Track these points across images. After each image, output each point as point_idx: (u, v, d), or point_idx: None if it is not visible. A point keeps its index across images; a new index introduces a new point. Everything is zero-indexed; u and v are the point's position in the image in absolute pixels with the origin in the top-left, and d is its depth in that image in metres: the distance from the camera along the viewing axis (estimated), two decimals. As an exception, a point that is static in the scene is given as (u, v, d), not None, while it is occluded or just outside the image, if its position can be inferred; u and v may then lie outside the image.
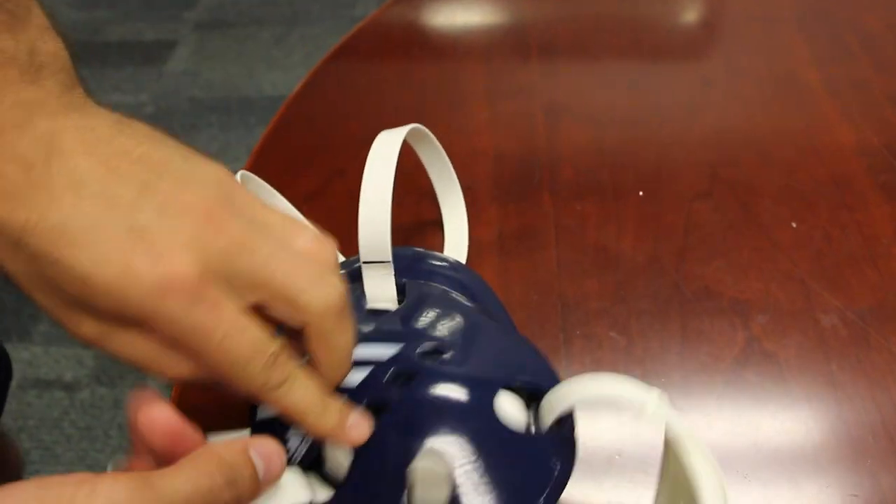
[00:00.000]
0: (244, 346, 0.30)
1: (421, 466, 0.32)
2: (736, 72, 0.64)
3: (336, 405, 0.32)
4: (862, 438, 0.42)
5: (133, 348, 0.30)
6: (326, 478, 0.34)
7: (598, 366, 0.45)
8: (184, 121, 1.76)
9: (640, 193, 0.55)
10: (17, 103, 0.29)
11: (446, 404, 0.34)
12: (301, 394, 0.31)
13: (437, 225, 0.52)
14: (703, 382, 0.45)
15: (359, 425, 0.33)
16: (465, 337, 0.38)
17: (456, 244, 0.51)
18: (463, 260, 0.50)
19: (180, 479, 0.27)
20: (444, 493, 0.32)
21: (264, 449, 0.30)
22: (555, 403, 0.35)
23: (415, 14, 0.72)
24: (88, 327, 0.30)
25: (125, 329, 0.29)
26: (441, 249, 0.51)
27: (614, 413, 0.43)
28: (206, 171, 0.31)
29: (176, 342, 0.29)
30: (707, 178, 0.56)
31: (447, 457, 0.32)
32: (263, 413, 0.36)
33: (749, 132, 0.59)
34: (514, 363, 0.37)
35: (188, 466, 0.28)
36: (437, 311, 0.39)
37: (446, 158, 0.49)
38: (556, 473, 0.34)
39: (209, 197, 0.30)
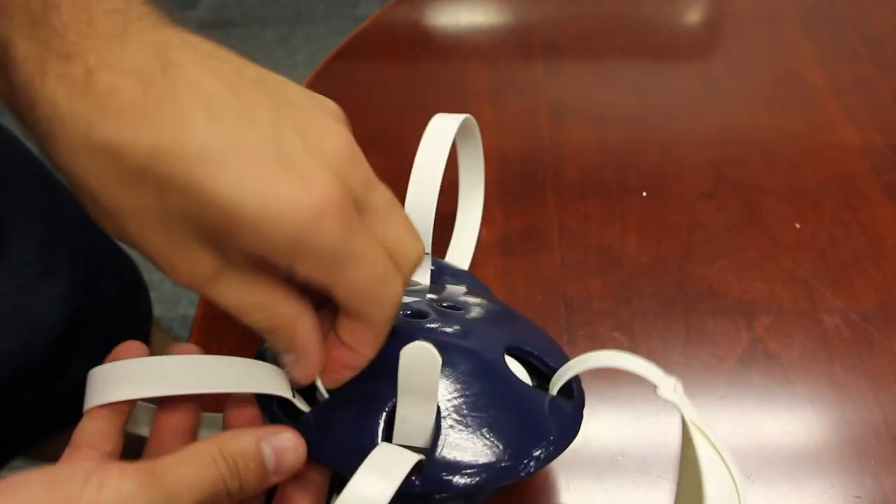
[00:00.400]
0: (386, 272, 0.29)
1: (410, 347, 0.29)
2: (739, 72, 0.64)
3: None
4: (865, 439, 0.42)
5: (241, 293, 0.28)
6: (312, 402, 0.34)
7: (601, 366, 0.45)
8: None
9: (644, 193, 0.55)
10: (108, 10, 0.26)
11: (450, 342, 0.34)
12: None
13: (449, 220, 0.52)
14: (707, 383, 0.45)
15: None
16: (479, 304, 0.39)
17: (463, 243, 0.51)
18: (468, 260, 0.50)
19: (185, 469, 0.27)
20: (432, 380, 0.30)
21: (279, 443, 0.30)
22: (570, 369, 0.35)
23: (418, 14, 0.72)
24: (205, 266, 0.27)
25: (242, 268, 0.27)
26: (446, 246, 0.51)
27: (617, 411, 0.43)
28: (325, 99, 0.30)
29: (315, 278, 0.27)
30: (711, 178, 0.56)
31: (437, 349, 0.30)
32: None
33: (753, 132, 0.59)
34: (523, 334, 0.38)
35: (194, 456, 0.28)
36: (464, 293, 0.40)
37: (482, 156, 0.49)
38: (553, 434, 0.34)
39: (342, 125, 0.28)
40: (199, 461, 0.27)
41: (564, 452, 0.38)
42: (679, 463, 0.38)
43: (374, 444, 0.31)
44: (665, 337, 0.47)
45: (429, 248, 0.50)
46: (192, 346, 0.32)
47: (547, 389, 0.36)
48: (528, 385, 0.35)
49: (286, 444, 0.30)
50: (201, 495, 0.27)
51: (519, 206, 0.54)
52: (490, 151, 0.58)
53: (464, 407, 0.32)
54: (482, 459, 0.31)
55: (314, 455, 0.31)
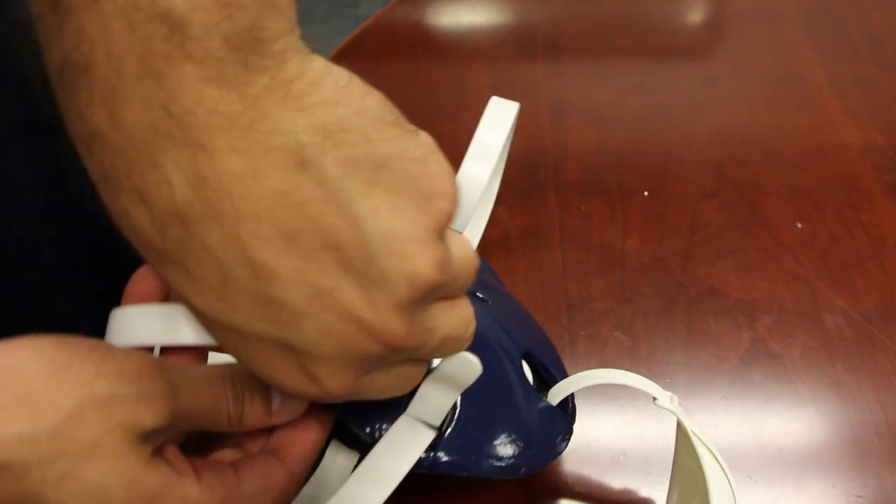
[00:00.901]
0: (397, 390, 0.28)
1: (460, 355, 0.30)
2: (741, 71, 0.64)
3: None
4: (867, 439, 0.42)
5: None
6: None
7: (602, 366, 0.45)
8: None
9: (646, 193, 0.55)
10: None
11: (481, 335, 0.34)
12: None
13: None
14: (708, 383, 0.45)
15: None
16: (502, 299, 0.40)
17: (470, 232, 0.51)
18: (475, 245, 0.51)
19: (192, 374, 0.28)
20: (449, 401, 0.32)
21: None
22: (568, 385, 0.37)
23: (419, 13, 0.72)
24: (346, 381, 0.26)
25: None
26: None
27: (618, 412, 0.43)
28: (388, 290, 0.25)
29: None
30: (712, 177, 0.56)
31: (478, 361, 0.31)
32: None
33: (754, 132, 0.59)
34: (536, 339, 0.40)
35: (205, 369, 0.29)
36: (481, 281, 0.41)
37: (507, 150, 0.48)
38: (549, 443, 0.36)
39: (386, 313, 0.24)
40: (210, 375, 0.29)
41: (566, 452, 0.39)
42: (672, 471, 0.38)
43: (398, 413, 0.32)
44: (667, 337, 0.47)
45: (479, 235, 0.50)
46: None
47: (544, 394, 0.38)
48: (538, 395, 0.37)
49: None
50: (200, 405, 0.28)
51: (520, 205, 0.54)
52: (491, 151, 0.58)
53: (480, 401, 0.34)
54: (483, 455, 0.33)
55: (342, 410, 0.32)
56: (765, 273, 0.50)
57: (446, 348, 0.27)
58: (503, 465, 0.34)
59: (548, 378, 0.39)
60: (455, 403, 0.33)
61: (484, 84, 0.64)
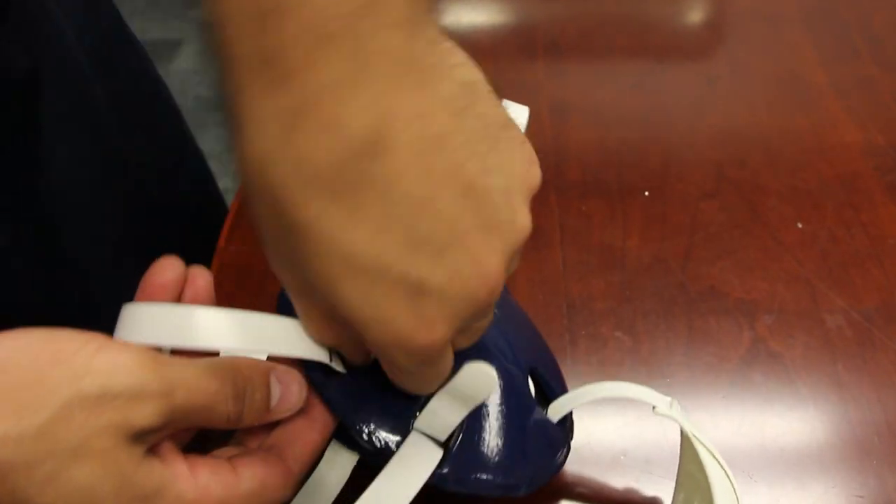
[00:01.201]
0: (432, 382, 0.30)
1: (472, 364, 0.31)
2: (742, 72, 0.64)
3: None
4: (867, 439, 0.42)
5: (308, 316, 0.29)
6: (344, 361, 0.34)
7: (603, 366, 0.45)
8: (190, 119, 1.76)
9: (646, 193, 0.55)
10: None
11: (488, 351, 0.35)
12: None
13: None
14: (709, 383, 0.45)
15: None
16: (506, 311, 0.40)
17: None
18: None
19: (190, 370, 0.27)
20: (478, 400, 0.32)
21: (286, 378, 0.30)
22: (569, 401, 0.38)
23: (420, 13, 0.72)
24: (292, 283, 0.28)
25: (317, 306, 0.28)
26: None
27: (621, 413, 0.43)
28: (514, 215, 0.28)
29: (383, 363, 0.29)
30: (713, 177, 0.56)
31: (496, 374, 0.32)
32: None
33: (755, 132, 0.59)
34: (539, 354, 0.40)
35: (204, 364, 0.28)
36: None
37: None
38: (550, 463, 0.36)
39: (499, 266, 0.27)
40: (208, 371, 0.28)
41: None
42: (678, 477, 0.38)
43: (408, 429, 0.32)
44: (667, 337, 0.47)
45: None
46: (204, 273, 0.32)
47: (545, 409, 0.38)
48: (541, 412, 0.37)
49: (292, 380, 0.31)
50: (198, 402, 0.27)
51: (521, 205, 0.54)
52: (492, 151, 0.58)
53: (485, 419, 0.34)
54: (485, 474, 0.33)
55: (348, 417, 0.32)
56: (765, 273, 0.50)
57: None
58: (504, 483, 0.34)
59: (549, 393, 0.39)
60: (462, 420, 0.33)
61: (484, 84, 0.64)
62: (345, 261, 0.24)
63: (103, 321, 0.29)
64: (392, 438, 0.32)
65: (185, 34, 2.00)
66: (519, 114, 0.40)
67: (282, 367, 0.31)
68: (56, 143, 0.49)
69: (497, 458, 0.34)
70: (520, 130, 0.29)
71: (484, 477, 0.33)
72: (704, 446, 0.35)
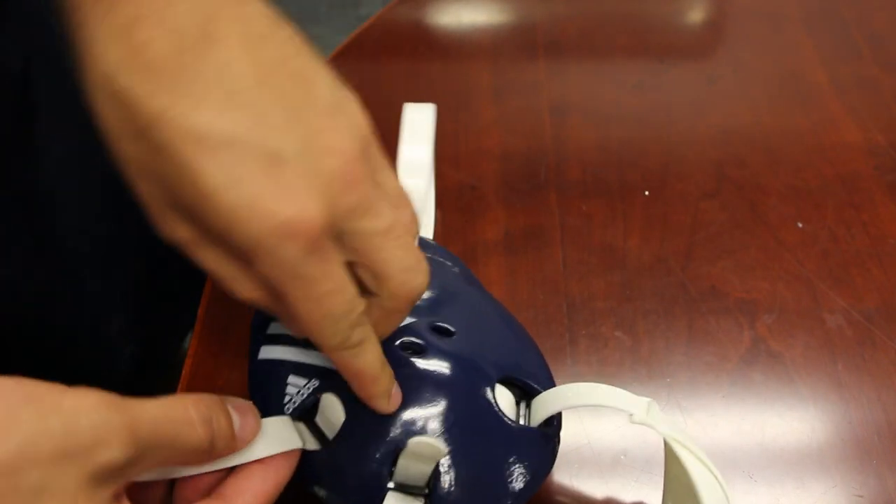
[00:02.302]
0: (340, 304, 0.28)
1: (417, 440, 0.33)
2: (742, 71, 0.64)
3: (389, 373, 0.32)
4: (868, 438, 0.42)
5: (217, 264, 0.29)
6: (316, 431, 0.35)
7: (603, 366, 0.45)
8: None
9: (647, 193, 0.55)
10: None
11: (448, 382, 0.35)
12: (369, 358, 0.31)
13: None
14: (709, 382, 0.45)
15: (397, 395, 0.33)
16: (471, 319, 0.39)
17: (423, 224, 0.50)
18: (430, 234, 0.50)
19: (153, 403, 0.27)
20: (428, 469, 0.33)
21: (240, 405, 0.30)
22: (547, 405, 0.36)
23: (420, 13, 0.72)
24: (183, 232, 0.28)
25: (217, 245, 0.28)
26: None
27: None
28: (353, 111, 0.29)
29: (269, 281, 0.28)
30: (713, 177, 0.56)
31: (441, 444, 0.33)
32: (266, 354, 0.38)
33: (756, 131, 0.59)
34: (513, 356, 0.39)
35: (165, 397, 0.28)
36: (445, 288, 0.40)
37: (433, 150, 0.48)
38: (535, 469, 0.36)
39: (352, 145, 0.28)
40: (170, 401, 0.27)
41: (567, 452, 0.40)
42: (665, 483, 0.38)
43: (383, 489, 0.33)
44: (668, 336, 0.47)
45: (430, 233, 0.49)
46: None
47: (529, 406, 0.38)
48: (513, 424, 0.36)
49: (247, 408, 0.31)
50: (164, 432, 0.27)
51: (521, 205, 0.54)
52: (492, 150, 0.58)
53: (458, 454, 0.34)
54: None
55: (326, 486, 0.34)
56: (766, 273, 0.50)
57: (403, 211, 0.30)
58: None
59: (532, 393, 0.38)
60: (437, 470, 0.34)
61: (485, 83, 0.64)
62: (198, 142, 0.25)
63: (94, 318, 0.29)
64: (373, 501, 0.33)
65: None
66: (424, 113, 0.40)
67: (233, 398, 0.31)
68: (49, 140, 0.49)
69: (479, 489, 0.34)
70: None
71: None
72: (686, 447, 0.34)
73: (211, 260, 0.29)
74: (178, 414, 0.27)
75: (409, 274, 0.30)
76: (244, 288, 0.29)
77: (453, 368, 0.35)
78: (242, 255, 0.27)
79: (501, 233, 0.52)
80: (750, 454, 0.42)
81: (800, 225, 0.52)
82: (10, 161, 0.47)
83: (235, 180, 0.25)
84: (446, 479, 0.34)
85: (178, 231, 0.28)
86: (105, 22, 0.26)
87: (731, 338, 0.46)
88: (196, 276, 0.57)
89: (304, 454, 0.34)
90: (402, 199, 0.31)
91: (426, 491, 0.34)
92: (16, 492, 0.23)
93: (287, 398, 0.35)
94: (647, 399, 0.35)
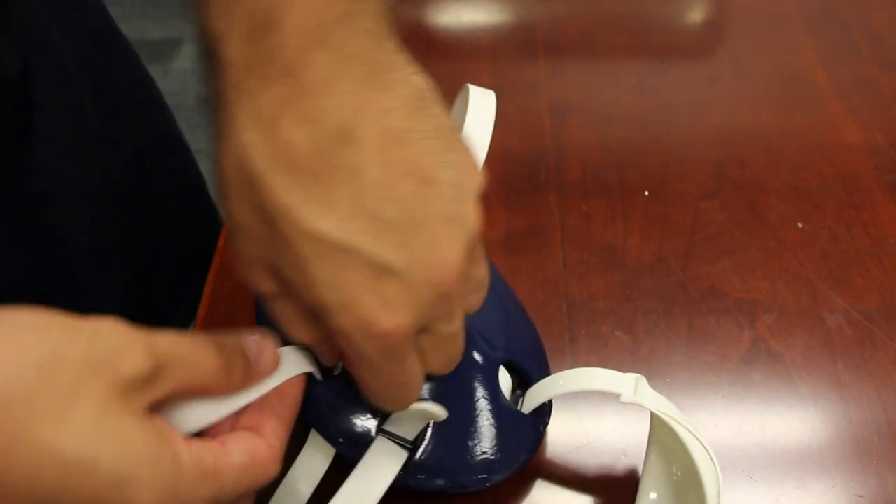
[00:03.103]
0: (403, 392, 0.31)
1: (419, 405, 0.34)
2: (742, 71, 0.64)
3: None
4: (867, 438, 0.42)
5: (289, 315, 0.30)
6: (322, 366, 0.36)
7: (603, 365, 0.45)
8: (190, 119, 1.76)
9: (647, 193, 0.55)
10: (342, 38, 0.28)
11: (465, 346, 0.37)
12: (413, 398, 0.33)
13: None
14: (709, 382, 0.45)
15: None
16: (490, 306, 0.40)
17: None
18: None
19: (167, 332, 0.28)
20: (420, 427, 0.35)
21: (257, 338, 0.31)
22: (539, 394, 0.39)
23: (420, 13, 0.72)
24: (268, 287, 0.29)
25: (296, 301, 0.29)
26: None
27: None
28: (468, 215, 0.29)
29: (350, 362, 0.30)
30: (713, 177, 0.56)
31: (442, 409, 0.35)
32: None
33: (756, 131, 0.59)
34: (518, 344, 0.41)
35: (192, 336, 0.29)
36: None
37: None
38: (517, 452, 0.38)
39: (461, 257, 0.28)
40: (182, 333, 0.28)
41: (567, 452, 0.41)
42: (647, 450, 0.39)
43: (372, 433, 0.35)
44: (668, 336, 0.47)
45: None
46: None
47: (524, 395, 0.40)
48: (511, 408, 0.38)
49: (262, 342, 0.31)
50: (182, 350, 0.27)
51: (521, 205, 0.54)
52: (492, 150, 0.58)
53: (452, 421, 0.36)
54: (453, 471, 0.36)
55: (321, 424, 0.35)
56: (766, 272, 0.50)
57: (477, 294, 0.32)
58: (472, 479, 0.36)
59: (529, 382, 0.40)
60: (426, 427, 0.36)
61: (485, 83, 0.64)
62: (316, 244, 0.27)
63: (91, 315, 0.29)
64: (362, 442, 0.35)
65: (185, 34, 2.00)
66: (487, 97, 0.40)
67: (252, 331, 0.31)
68: (45, 143, 0.49)
69: (463, 455, 0.36)
70: (463, 137, 0.31)
71: (451, 473, 0.36)
72: (675, 420, 0.36)
73: (282, 309, 0.30)
74: (192, 340, 0.28)
75: (454, 362, 0.33)
76: (302, 335, 0.31)
77: (465, 342, 0.37)
78: (321, 320, 0.29)
79: (501, 233, 0.52)
80: (750, 454, 0.42)
81: (800, 225, 0.52)
82: (11, 163, 0.48)
83: (341, 282, 0.27)
84: (434, 440, 0.35)
85: (263, 285, 0.29)
86: (259, 95, 0.27)
87: (731, 338, 0.46)
88: (196, 277, 0.57)
89: (307, 390, 0.34)
90: (482, 287, 0.32)
91: (411, 445, 0.35)
92: (54, 387, 0.23)
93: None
94: (635, 375, 0.37)
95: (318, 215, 0.27)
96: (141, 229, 0.60)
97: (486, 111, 0.39)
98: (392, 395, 0.31)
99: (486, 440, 0.36)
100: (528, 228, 0.53)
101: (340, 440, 0.35)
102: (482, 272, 0.32)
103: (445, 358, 0.32)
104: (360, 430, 0.35)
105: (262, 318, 0.40)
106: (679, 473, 0.38)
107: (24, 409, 0.23)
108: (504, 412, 0.38)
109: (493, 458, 0.36)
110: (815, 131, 0.59)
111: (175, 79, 1.86)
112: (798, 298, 0.48)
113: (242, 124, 0.27)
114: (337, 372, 0.36)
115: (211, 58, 0.28)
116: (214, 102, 0.29)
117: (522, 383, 0.40)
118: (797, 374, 0.45)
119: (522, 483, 0.41)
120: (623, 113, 0.61)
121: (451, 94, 0.63)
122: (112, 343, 0.25)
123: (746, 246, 0.51)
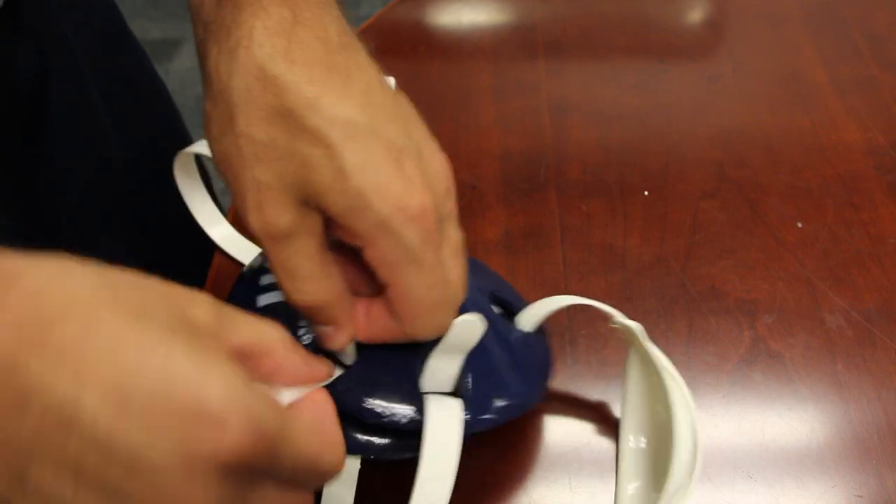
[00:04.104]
0: (448, 298, 0.32)
1: (464, 318, 0.33)
2: (743, 71, 0.64)
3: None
4: (867, 438, 0.42)
5: (302, 255, 0.30)
6: (334, 360, 0.35)
7: (603, 365, 0.45)
8: (190, 119, 1.76)
9: (646, 192, 0.55)
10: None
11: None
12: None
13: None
14: (709, 382, 0.45)
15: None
16: None
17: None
18: None
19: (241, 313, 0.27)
20: (470, 345, 0.34)
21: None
22: (533, 314, 0.41)
23: (420, 13, 0.72)
24: (285, 220, 0.30)
25: (312, 238, 0.30)
26: None
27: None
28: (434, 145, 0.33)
29: (387, 262, 0.30)
30: (713, 177, 0.56)
31: (481, 320, 0.34)
32: (266, 301, 0.40)
33: (756, 131, 0.59)
34: (491, 281, 0.44)
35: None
36: None
37: None
38: (542, 368, 0.41)
39: (447, 169, 0.32)
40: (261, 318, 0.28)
41: (567, 452, 0.41)
42: (628, 380, 0.41)
43: (415, 396, 0.35)
44: (668, 336, 0.47)
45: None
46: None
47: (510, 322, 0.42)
48: (515, 328, 0.41)
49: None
50: (255, 340, 0.27)
51: (521, 204, 0.54)
52: (492, 150, 0.58)
53: (481, 356, 0.36)
54: (498, 403, 0.36)
55: (358, 401, 0.34)
56: (766, 272, 0.50)
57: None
58: (519, 403, 0.37)
59: (511, 310, 0.42)
60: (461, 367, 0.35)
61: (485, 83, 0.64)
62: (345, 127, 0.29)
63: None
64: (406, 409, 0.34)
65: (185, 34, 2.00)
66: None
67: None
68: (58, 143, 0.50)
69: (504, 384, 0.37)
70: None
71: (501, 404, 0.36)
72: (654, 351, 0.38)
73: (297, 252, 0.30)
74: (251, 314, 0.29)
75: (465, 280, 0.33)
76: (311, 289, 0.31)
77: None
78: (360, 240, 0.30)
79: (501, 232, 0.52)
80: (750, 454, 0.42)
81: (800, 225, 0.52)
82: (23, 162, 0.48)
83: (374, 164, 0.29)
84: (474, 377, 0.36)
85: (282, 217, 0.30)
86: (265, 16, 0.30)
87: (731, 337, 0.46)
88: (196, 277, 0.57)
89: (331, 390, 0.32)
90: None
91: (459, 394, 0.35)
92: (168, 303, 0.24)
93: (302, 330, 0.36)
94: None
95: (341, 102, 0.29)
96: (150, 228, 0.60)
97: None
98: (439, 296, 0.31)
99: (513, 362, 0.37)
100: (527, 228, 0.53)
101: (384, 417, 0.34)
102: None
103: (461, 269, 0.32)
104: (402, 398, 0.34)
105: (246, 294, 0.41)
106: (660, 411, 0.40)
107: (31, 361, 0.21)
108: (513, 332, 0.40)
109: (523, 377, 0.38)
110: (815, 131, 0.59)
111: (175, 79, 1.86)
112: (798, 298, 0.48)
113: (258, 37, 0.29)
114: (349, 361, 0.35)
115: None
116: (209, 39, 0.31)
117: (507, 313, 0.42)
118: (797, 374, 0.45)
119: (520, 483, 0.41)
120: (623, 113, 0.61)
121: (449, 94, 0.63)
122: (180, 289, 0.25)
123: (746, 246, 0.51)
